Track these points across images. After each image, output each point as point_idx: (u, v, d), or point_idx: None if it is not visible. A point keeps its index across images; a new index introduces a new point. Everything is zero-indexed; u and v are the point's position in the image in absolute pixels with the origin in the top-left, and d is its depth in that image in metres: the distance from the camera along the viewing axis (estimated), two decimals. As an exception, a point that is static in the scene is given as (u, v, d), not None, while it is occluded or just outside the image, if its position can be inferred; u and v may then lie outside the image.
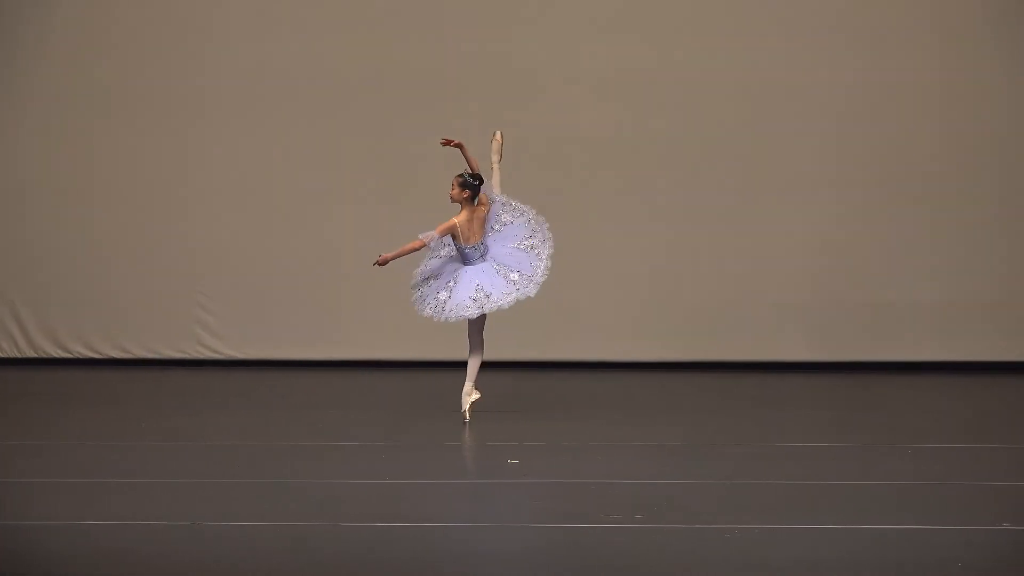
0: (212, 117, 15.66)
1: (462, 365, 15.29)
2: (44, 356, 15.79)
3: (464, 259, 11.66)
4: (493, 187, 11.74)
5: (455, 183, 11.62)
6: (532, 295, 11.57)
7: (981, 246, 15.28)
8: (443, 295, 11.60)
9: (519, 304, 15.27)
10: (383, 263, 11.63)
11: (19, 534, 7.72)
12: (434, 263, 11.79)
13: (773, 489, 8.98)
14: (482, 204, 11.65)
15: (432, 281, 11.75)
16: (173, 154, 15.71)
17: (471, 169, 11.62)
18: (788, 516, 8.15)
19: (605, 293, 15.44)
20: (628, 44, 15.43)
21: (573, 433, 11.15)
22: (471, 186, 11.57)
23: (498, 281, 11.55)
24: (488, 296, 11.48)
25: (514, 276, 11.58)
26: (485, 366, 14.90)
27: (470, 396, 11.60)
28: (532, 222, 11.74)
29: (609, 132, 15.44)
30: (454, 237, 11.63)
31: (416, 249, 11.60)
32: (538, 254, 11.66)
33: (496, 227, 11.71)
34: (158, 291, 15.71)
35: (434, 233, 11.57)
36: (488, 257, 11.65)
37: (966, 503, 8.51)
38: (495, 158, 11.89)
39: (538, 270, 11.60)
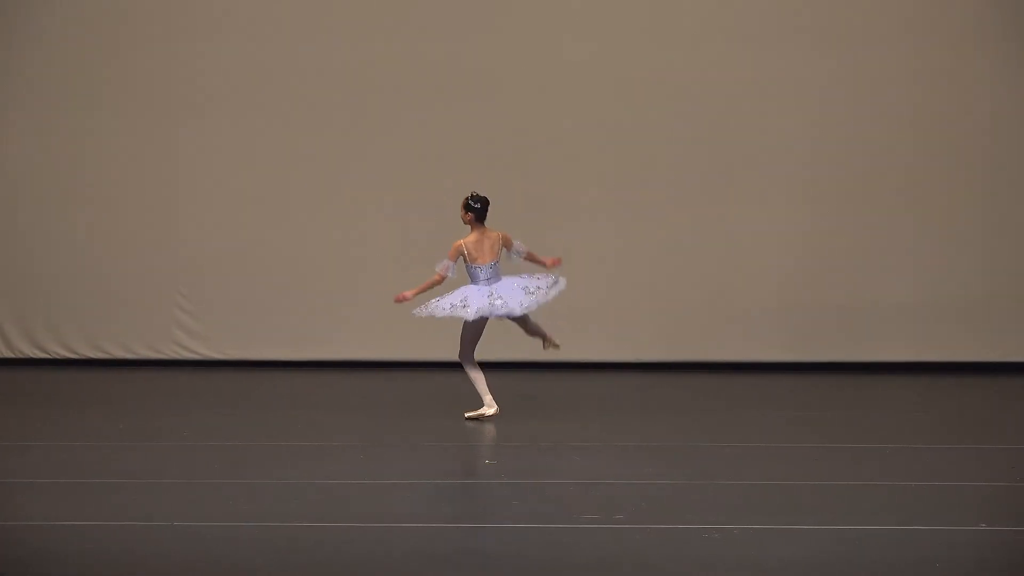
0: (191, 118, 15.62)
1: (440, 366, 15.36)
2: (21, 356, 15.74)
3: (473, 279, 11.89)
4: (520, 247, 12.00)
5: (461, 206, 11.89)
6: (542, 301, 11.87)
7: (957, 248, 15.31)
8: (459, 301, 11.80)
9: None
10: (403, 300, 11.89)
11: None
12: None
13: (751, 489, 8.99)
14: (493, 232, 11.87)
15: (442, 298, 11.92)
16: (153, 155, 15.67)
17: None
18: (767, 516, 8.16)
19: (585, 295, 15.43)
20: (608, 47, 15.43)
21: (552, 433, 11.15)
22: (472, 208, 11.83)
23: (515, 291, 11.82)
24: (501, 299, 11.74)
25: (531, 287, 11.86)
26: (449, 366, 14.90)
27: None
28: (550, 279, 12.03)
29: (592, 135, 15.44)
30: (464, 258, 11.84)
31: (437, 283, 11.85)
32: (555, 281, 11.98)
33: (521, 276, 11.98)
34: (136, 291, 15.67)
35: (447, 261, 11.84)
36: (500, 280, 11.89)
37: (943, 504, 8.53)
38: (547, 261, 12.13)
39: (553, 288, 11.93)
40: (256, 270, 15.62)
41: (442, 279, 11.83)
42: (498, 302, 11.75)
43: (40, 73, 15.66)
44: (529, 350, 15.40)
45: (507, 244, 11.95)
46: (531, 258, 12.04)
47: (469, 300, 11.77)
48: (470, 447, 10.48)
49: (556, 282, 12.02)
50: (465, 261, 11.86)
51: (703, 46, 15.38)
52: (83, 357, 15.72)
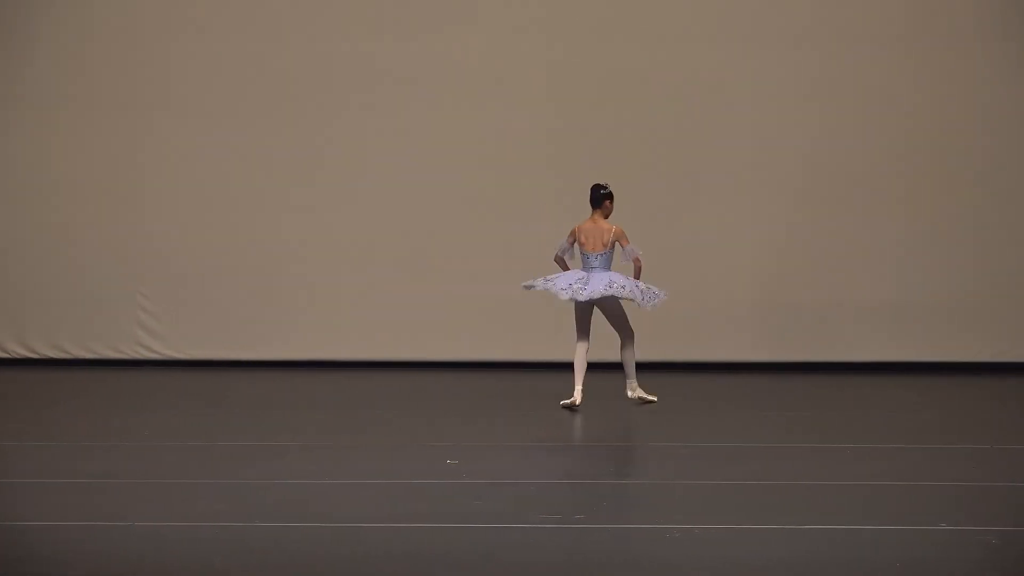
0: (154, 118, 15.55)
1: (404, 365, 15.35)
2: (-19, 355, 15.68)
3: (584, 263, 12.32)
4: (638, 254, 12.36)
5: None
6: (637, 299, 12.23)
7: (932, 248, 15.34)
8: (554, 279, 12.29)
9: (471, 305, 15.35)
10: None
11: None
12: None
13: (715, 489, 8.99)
14: (606, 223, 12.28)
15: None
16: (115, 155, 15.59)
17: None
18: (730, 516, 8.16)
19: (539, 295, 15.42)
20: (579, 46, 15.43)
21: (514, 433, 11.14)
22: (600, 191, 12.39)
23: (600, 282, 12.16)
24: (585, 285, 12.15)
25: (617, 284, 12.18)
26: (428, 366, 14.94)
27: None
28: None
29: (562, 134, 15.43)
30: (577, 241, 12.35)
31: (557, 262, 12.51)
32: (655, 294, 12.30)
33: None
34: (98, 291, 15.59)
35: (563, 242, 12.44)
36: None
37: (905, 503, 8.55)
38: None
39: (647, 298, 12.26)
40: (218, 270, 15.56)
41: (558, 259, 12.44)
42: (577, 285, 12.14)
43: (0, 73, 15.58)
44: (499, 350, 15.42)
45: (619, 239, 12.30)
46: (637, 264, 12.33)
47: (559, 280, 12.24)
48: (432, 447, 10.45)
49: (655, 295, 12.25)
50: (578, 244, 12.33)
51: (683, 46, 15.39)
52: (44, 357, 15.63)
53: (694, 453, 10.45)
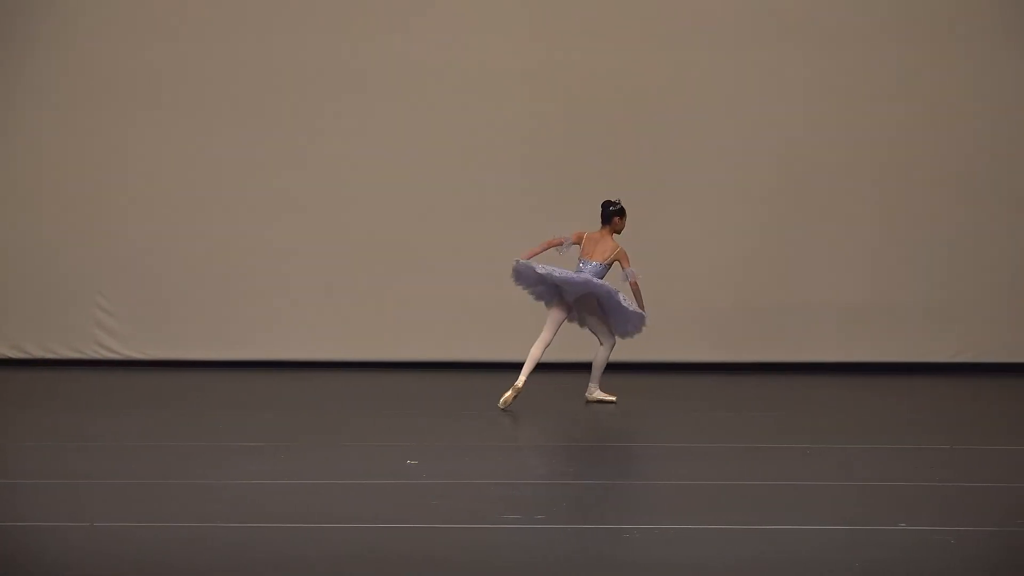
0: (112, 118, 15.49)
1: (363, 365, 15.33)
2: (-62, 355, 15.60)
3: (576, 267, 12.54)
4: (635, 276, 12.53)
5: None
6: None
7: (897, 251, 15.41)
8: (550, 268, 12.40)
9: (427, 305, 15.34)
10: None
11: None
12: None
13: (672, 489, 9.00)
14: (612, 241, 12.49)
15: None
16: (73, 154, 15.52)
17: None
18: (688, 516, 8.16)
19: (509, 295, 15.42)
20: (558, 47, 15.44)
21: (475, 433, 11.12)
22: (608, 207, 12.57)
23: (578, 280, 12.34)
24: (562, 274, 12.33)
25: (594, 287, 12.33)
26: (390, 367, 14.91)
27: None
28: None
29: (521, 136, 15.43)
30: (580, 245, 12.59)
31: (552, 244, 12.64)
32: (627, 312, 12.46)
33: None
34: (56, 291, 15.52)
35: (569, 237, 12.64)
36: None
37: (863, 503, 8.56)
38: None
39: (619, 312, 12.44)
40: (177, 270, 15.50)
41: (557, 242, 12.57)
42: (557, 273, 12.31)
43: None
44: (463, 350, 15.41)
45: (620, 260, 12.45)
46: (633, 288, 12.45)
47: (545, 265, 12.40)
48: (392, 447, 10.42)
49: (639, 318, 12.42)
50: (580, 248, 12.51)
51: (655, 48, 15.43)
52: (2, 357, 15.54)
53: (654, 453, 10.46)
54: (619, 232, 12.60)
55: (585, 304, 12.54)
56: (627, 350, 14.69)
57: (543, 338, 12.55)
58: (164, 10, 15.48)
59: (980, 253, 15.44)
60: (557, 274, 12.33)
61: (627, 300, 12.40)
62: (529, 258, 12.48)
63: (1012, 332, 15.45)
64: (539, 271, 12.36)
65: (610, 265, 12.51)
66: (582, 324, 12.73)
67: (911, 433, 11.49)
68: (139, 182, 15.51)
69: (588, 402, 12.66)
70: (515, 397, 12.33)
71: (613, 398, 12.60)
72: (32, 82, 15.48)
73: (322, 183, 15.49)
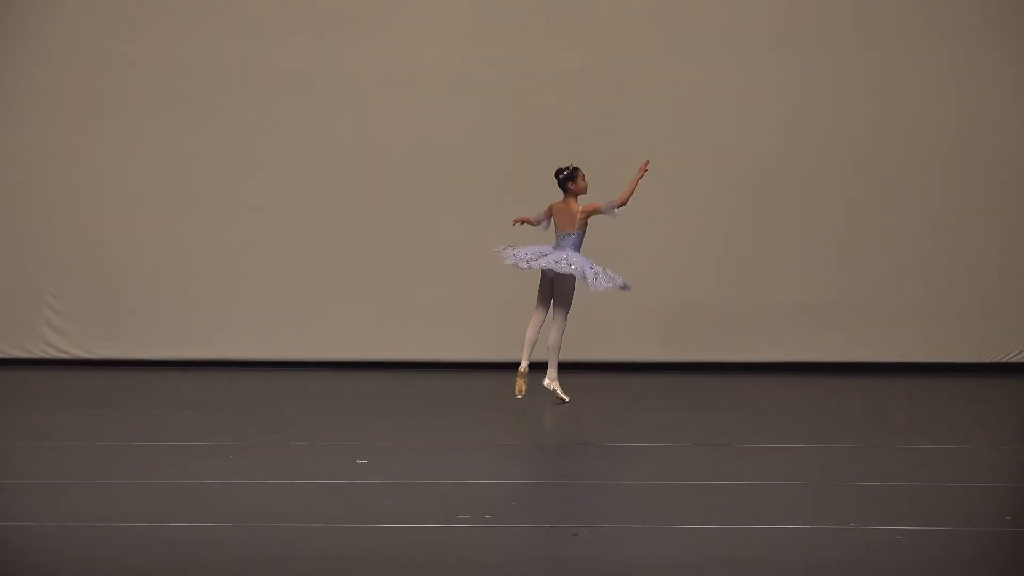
0: (62, 114, 15.39)
1: (316, 365, 15.28)
2: None
3: (556, 241, 12.56)
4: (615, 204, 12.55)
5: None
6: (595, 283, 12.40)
7: (845, 250, 15.45)
8: (532, 254, 12.46)
9: (371, 305, 15.31)
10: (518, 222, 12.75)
11: None
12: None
13: (624, 489, 9.00)
14: (575, 205, 12.51)
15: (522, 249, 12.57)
16: (20, 152, 15.42)
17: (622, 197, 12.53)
18: (638, 516, 8.16)
19: (465, 294, 15.41)
20: (484, 44, 15.42)
21: (424, 433, 11.10)
22: (557, 177, 12.62)
23: (552, 257, 12.39)
24: (571, 265, 12.34)
25: (568, 262, 12.36)
26: (341, 366, 14.88)
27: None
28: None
29: (477, 134, 15.42)
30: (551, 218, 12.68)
31: (532, 221, 12.74)
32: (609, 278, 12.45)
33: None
34: (4, 290, 15.41)
35: (540, 212, 12.71)
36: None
37: (813, 503, 8.58)
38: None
39: (611, 280, 12.42)
40: (127, 269, 15.42)
41: (535, 220, 12.69)
42: (531, 255, 12.37)
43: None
44: (414, 350, 15.38)
45: (590, 214, 12.50)
46: (622, 202, 12.52)
47: (520, 250, 12.48)
48: (342, 447, 10.39)
49: (612, 279, 12.40)
50: (553, 222, 12.64)
51: (606, 47, 15.41)
52: (-52, 356, 15.46)
53: (604, 453, 10.45)
54: (583, 192, 12.61)
55: (558, 280, 12.54)
56: (580, 349, 14.74)
57: (536, 318, 12.59)
58: (127, 6, 15.38)
59: (938, 254, 15.50)
60: (544, 263, 12.35)
61: (597, 276, 12.38)
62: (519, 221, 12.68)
63: (965, 332, 15.51)
64: (524, 267, 12.40)
65: (586, 225, 12.54)
66: (553, 286, 12.62)
67: (860, 432, 11.52)
68: (90, 181, 15.41)
69: (545, 388, 12.64)
70: (526, 383, 12.44)
71: (567, 398, 12.59)
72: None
73: (278, 182, 15.43)
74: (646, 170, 12.63)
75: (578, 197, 12.60)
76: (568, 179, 12.59)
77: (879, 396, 13.95)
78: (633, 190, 12.54)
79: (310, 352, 15.46)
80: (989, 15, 15.44)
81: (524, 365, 12.49)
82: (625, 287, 12.54)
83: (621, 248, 15.11)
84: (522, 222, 12.77)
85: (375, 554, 7.30)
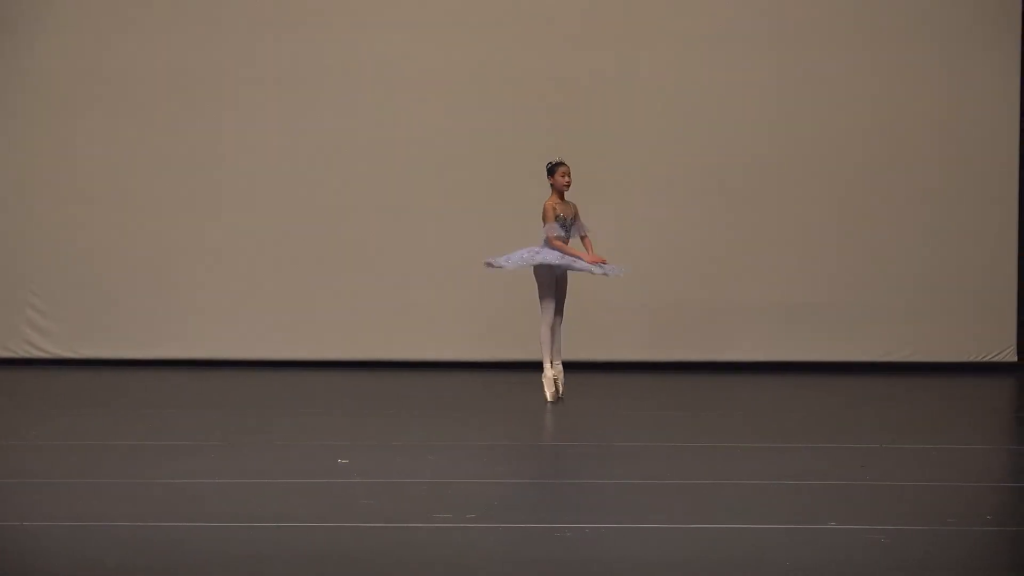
0: (44, 114, 15.36)
1: (300, 365, 15.26)
2: None
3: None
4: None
5: None
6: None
7: (821, 249, 15.47)
8: (528, 254, 12.49)
9: (355, 304, 15.29)
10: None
11: None
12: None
13: (606, 488, 8.99)
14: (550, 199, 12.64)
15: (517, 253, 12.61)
16: (2, 149, 15.38)
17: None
18: (621, 516, 8.15)
19: (438, 293, 15.40)
20: (482, 44, 15.42)
21: (406, 433, 11.08)
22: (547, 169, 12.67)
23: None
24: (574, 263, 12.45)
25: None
26: (318, 365, 14.86)
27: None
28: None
29: (449, 134, 15.41)
30: (557, 217, 12.55)
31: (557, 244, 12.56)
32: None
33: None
34: (-13, 289, 15.41)
35: (552, 224, 12.55)
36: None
37: (794, 502, 8.57)
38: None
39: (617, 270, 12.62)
40: (110, 268, 15.40)
41: (565, 237, 12.59)
42: (528, 255, 12.43)
43: None
44: (393, 349, 15.37)
45: (544, 223, 12.60)
46: (555, 243, 12.55)
47: (515, 254, 12.56)
48: (323, 446, 10.37)
49: (614, 270, 12.59)
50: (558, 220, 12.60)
51: (577, 46, 15.41)
52: (-70, 355, 15.43)
53: (585, 452, 10.44)
54: (559, 188, 12.57)
55: (561, 278, 12.69)
56: (571, 349, 14.75)
57: (546, 320, 12.58)
58: (99, 9, 15.35)
59: (923, 253, 15.52)
60: (536, 259, 12.42)
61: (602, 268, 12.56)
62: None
63: (945, 331, 15.53)
64: (551, 270, 12.48)
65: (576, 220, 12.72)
66: (558, 283, 12.71)
67: (842, 431, 11.52)
68: (71, 179, 15.38)
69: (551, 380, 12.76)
70: (556, 382, 12.57)
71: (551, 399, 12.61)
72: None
73: (257, 183, 15.41)
74: (593, 263, 12.54)
75: (557, 195, 12.58)
76: (548, 174, 12.61)
77: (863, 395, 13.95)
78: (561, 251, 12.49)
79: (294, 352, 15.44)
80: (980, 16, 15.45)
81: (551, 368, 12.59)
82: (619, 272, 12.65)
83: (613, 248, 15.12)
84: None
85: (357, 553, 7.29)
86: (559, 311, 12.62)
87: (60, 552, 7.29)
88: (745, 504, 8.49)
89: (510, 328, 15.26)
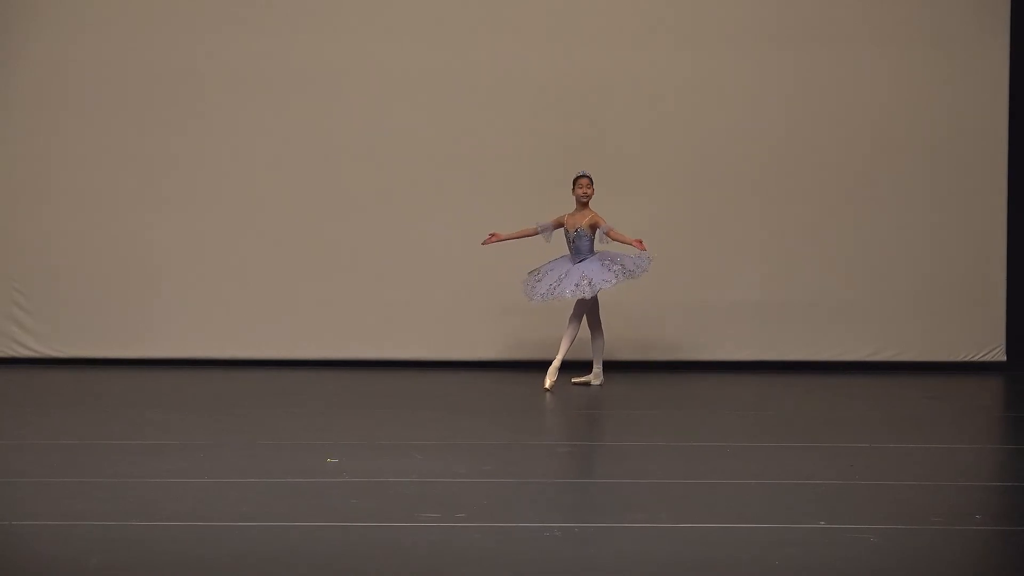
0: (26, 110, 15.32)
1: (285, 364, 15.24)
2: None
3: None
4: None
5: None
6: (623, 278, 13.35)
7: (804, 248, 15.48)
8: (553, 283, 13.41)
9: (344, 303, 15.29)
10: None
11: None
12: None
13: (594, 488, 8.98)
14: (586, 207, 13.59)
15: (544, 274, 13.58)
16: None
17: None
18: (608, 515, 8.14)
19: (425, 292, 15.38)
20: (481, 44, 15.42)
21: (393, 432, 11.07)
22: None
23: (602, 270, 13.31)
24: (591, 282, 13.27)
25: (616, 268, 13.35)
26: (310, 364, 14.86)
27: (597, 378, 13.85)
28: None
29: (438, 135, 15.41)
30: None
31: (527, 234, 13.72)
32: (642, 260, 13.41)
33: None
34: (-30, 288, 15.37)
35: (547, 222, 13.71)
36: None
37: (783, 502, 8.56)
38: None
39: (640, 266, 13.39)
40: (97, 267, 15.37)
41: (531, 231, 13.72)
42: (556, 291, 13.44)
43: None
44: (384, 348, 15.34)
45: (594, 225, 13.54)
46: (615, 234, 13.48)
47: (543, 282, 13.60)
48: (311, 445, 10.35)
49: (640, 265, 13.40)
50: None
51: (570, 46, 15.41)
52: (-86, 355, 15.39)
53: (573, 452, 10.43)
54: (580, 199, 13.54)
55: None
56: (537, 349, 14.74)
57: (569, 333, 13.48)
58: (83, 6, 15.32)
59: (912, 253, 15.54)
60: (584, 292, 13.26)
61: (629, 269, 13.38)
62: (504, 240, 13.54)
63: (932, 330, 15.55)
64: (550, 295, 13.38)
65: (594, 231, 13.49)
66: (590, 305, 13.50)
67: (830, 431, 11.52)
68: (55, 178, 15.35)
69: (595, 384, 13.78)
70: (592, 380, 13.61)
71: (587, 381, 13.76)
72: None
73: (243, 182, 15.38)
74: (639, 247, 13.26)
75: (580, 204, 13.55)
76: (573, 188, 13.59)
77: (851, 395, 13.95)
78: (618, 239, 13.32)
79: (281, 351, 15.42)
80: (971, 17, 15.47)
81: (592, 375, 13.76)
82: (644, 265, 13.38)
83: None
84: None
85: (345, 553, 7.27)
86: (581, 315, 13.45)
87: (43, 551, 7.26)
88: (733, 504, 8.48)
89: (498, 328, 15.25)
